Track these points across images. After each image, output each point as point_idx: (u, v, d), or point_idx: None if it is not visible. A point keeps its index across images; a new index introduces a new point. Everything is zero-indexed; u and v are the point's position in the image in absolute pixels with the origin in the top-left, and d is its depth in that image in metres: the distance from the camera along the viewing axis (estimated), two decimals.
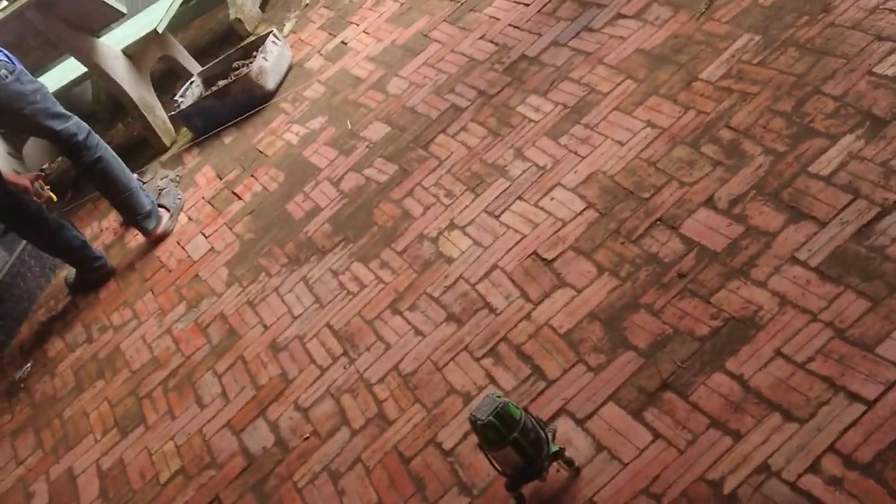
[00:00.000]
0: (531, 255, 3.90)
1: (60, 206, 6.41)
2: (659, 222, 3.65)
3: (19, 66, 5.20)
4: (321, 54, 6.32)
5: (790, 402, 2.86)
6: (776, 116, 3.72)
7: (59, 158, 7.39)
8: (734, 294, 3.23)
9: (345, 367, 4.03)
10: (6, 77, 5.09)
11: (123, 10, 6.34)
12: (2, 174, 5.46)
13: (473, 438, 3.29)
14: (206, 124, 6.33)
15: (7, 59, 5.17)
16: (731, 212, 3.50)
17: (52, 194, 5.65)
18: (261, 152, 5.80)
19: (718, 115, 3.89)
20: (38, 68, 6.47)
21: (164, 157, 6.56)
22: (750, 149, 3.67)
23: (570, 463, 3.05)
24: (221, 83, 6.39)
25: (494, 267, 3.96)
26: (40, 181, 5.63)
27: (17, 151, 7.01)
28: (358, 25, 6.31)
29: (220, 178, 5.85)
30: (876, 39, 3.70)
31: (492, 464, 3.02)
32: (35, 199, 5.53)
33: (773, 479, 2.72)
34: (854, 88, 3.60)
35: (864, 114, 3.49)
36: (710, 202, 3.59)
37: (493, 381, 3.54)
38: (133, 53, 6.56)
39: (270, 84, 6.25)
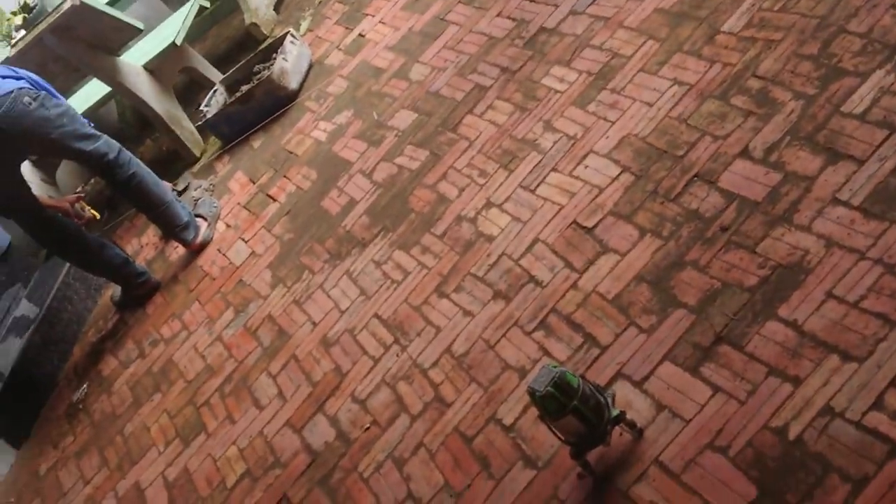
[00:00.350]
0: (571, 224, 3.90)
1: (100, 226, 6.46)
2: (696, 178, 3.64)
3: (44, 91, 5.23)
4: (340, 49, 6.33)
5: (847, 341, 2.85)
6: (803, 60, 3.70)
7: (93, 179, 7.44)
8: (779, 241, 3.22)
9: (397, 355, 4.05)
10: (30, 104, 5.11)
11: (140, 26, 6.37)
12: (38, 200, 5.51)
13: (533, 412, 3.30)
14: (233, 131, 6.36)
15: (30, 86, 5.20)
16: (767, 160, 3.48)
17: (94, 213, 5.71)
18: (291, 152, 5.82)
19: (745, 65, 3.88)
20: (63, 93, 6.49)
21: (196, 168, 6.59)
22: (780, 95, 3.65)
23: (632, 425, 3.06)
24: (244, 88, 6.41)
25: (536, 240, 3.96)
26: (81, 202, 5.68)
27: (50, 177, 7.06)
28: (373, 16, 6.31)
29: (254, 183, 5.88)
30: None
31: (555, 434, 3.03)
32: (76, 220, 5.59)
33: (837, 420, 2.71)
34: (879, 24, 3.58)
35: (892, 48, 3.47)
36: (745, 153, 3.57)
37: (546, 353, 3.55)
38: (154, 68, 6.59)
39: (293, 84, 6.26)
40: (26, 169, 6.34)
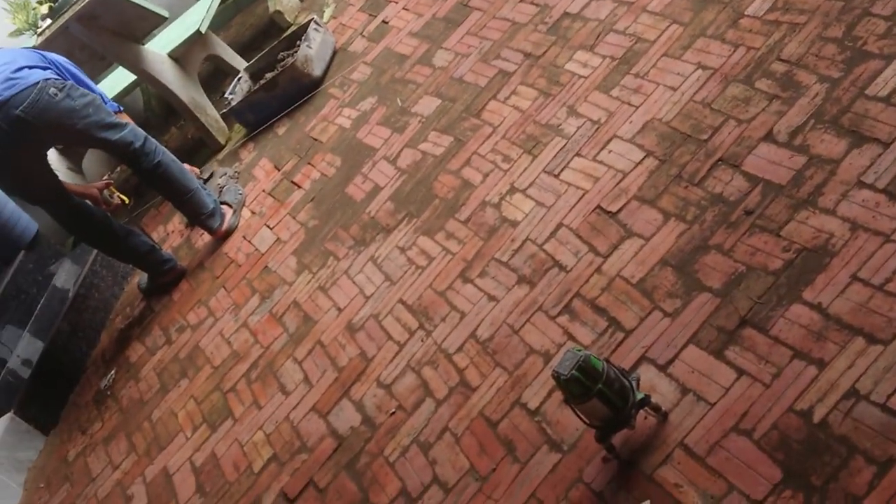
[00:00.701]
0: (595, 209, 3.90)
1: (126, 213, 6.50)
2: (720, 162, 3.64)
3: (70, 80, 5.25)
4: (364, 36, 6.34)
5: (872, 324, 2.85)
6: (827, 43, 3.69)
7: (119, 168, 7.49)
8: (804, 224, 3.22)
9: (422, 340, 4.06)
10: (56, 95, 5.13)
11: (165, 14, 6.40)
12: (67, 187, 5.55)
13: (558, 396, 3.31)
14: (258, 118, 6.38)
15: (56, 76, 5.22)
16: (791, 143, 3.48)
17: (123, 198, 5.75)
18: (315, 139, 5.84)
19: (769, 48, 3.87)
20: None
21: (221, 156, 6.62)
22: (805, 79, 3.65)
23: (656, 409, 3.07)
24: (269, 76, 6.43)
25: (560, 225, 3.97)
26: (110, 188, 5.72)
27: (76, 166, 7.11)
28: (397, 3, 6.31)
29: (278, 170, 5.90)
30: None
31: (580, 417, 3.03)
32: (105, 207, 5.63)
33: (862, 403, 2.71)
34: None
35: None
36: (769, 136, 3.57)
37: (570, 337, 3.56)
38: (179, 56, 6.62)
39: (317, 71, 6.28)
40: (52, 157, 6.38)
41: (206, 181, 6.23)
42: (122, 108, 5.60)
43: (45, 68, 5.21)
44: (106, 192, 5.68)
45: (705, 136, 3.77)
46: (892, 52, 3.46)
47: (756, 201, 3.41)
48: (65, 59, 5.41)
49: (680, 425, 3.03)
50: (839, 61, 3.59)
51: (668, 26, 4.35)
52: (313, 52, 6.27)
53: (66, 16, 6.11)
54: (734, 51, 3.99)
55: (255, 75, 6.65)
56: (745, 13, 4.09)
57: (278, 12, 7.18)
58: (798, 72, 3.69)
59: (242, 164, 6.28)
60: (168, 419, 4.91)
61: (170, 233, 6.33)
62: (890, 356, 2.75)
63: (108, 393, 5.48)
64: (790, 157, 3.44)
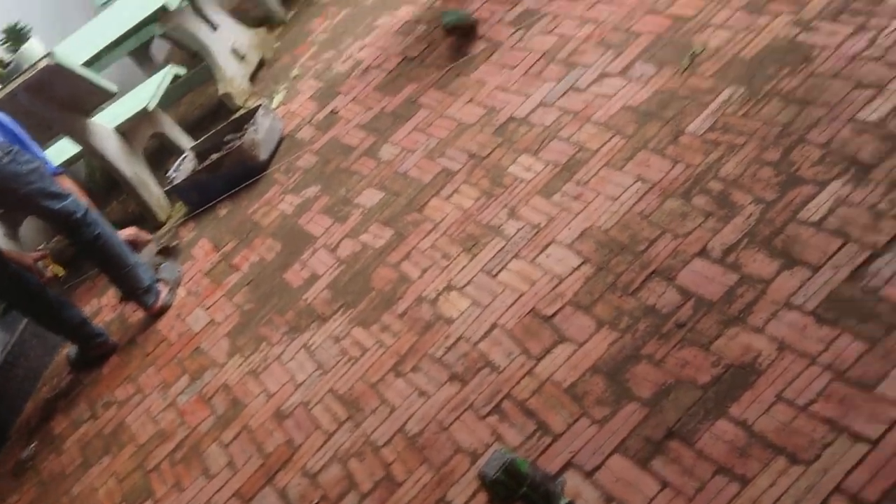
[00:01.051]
0: (530, 311, 3.95)
1: (60, 284, 6.45)
2: (654, 274, 3.71)
3: (17, 145, 5.25)
4: (312, 124, 6.41)
5: (795, 444, 2.90)
6: (764, 166, 3.79)
7: (55, 238, 7.44)
8: (733, 341, 3.28)
9: (351, 431, 4.06)
10: (2, 158, 5.14)
11: (114, 89, 6.43)
12: (2, 252, 5.51)
13: (483, 496, 3.33)
14: (200, 198, 6.40)
15: (3, 139, 5.22)
16: (725, 261, 3.56)
17: (57, 271, 5.72)
18: (256, 223, 5.86)
19: (707, 166, 3.97)
20: None
21: (161, 232, 6.61)
22: (740, 198, 3.74)
23: None
24: (214, 156, 6.46)
25: (494, 325, 4.01)
26: (46, 259, 5.70)
27: (13, 232, 7.06)
28: (346, 95, 6.39)
29: (217, 251, 5.91)
30: (857, 87, 3.78)
31: None
32: (38, 277, 5.59)
33: None
34: (838, 136, 3.67)
35: (850, 160, 3.56)
36: (703, 252, 3.65)
37: (499, 438, 3.57)
38: (125, 131, 6.64)
39: (263, 155, 6.32)
40: None
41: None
42: (62, 170, 5.59)
43: None
44: (41, 262, 5.65)
45: (642, 248, 3.85)
46: (824, 179, 3.56)
47: (688, 315, 3.48)
48: (12, 120, 5.41)
49: None
50: (774, 184, 3.69)
51: (612, 137, 4.44)
52: (260, 136, 6.32)
53: (15, 83, 6.12)
54: (674, 166, 4.08)
55: (200, 155, 6.67)
56: (686, 130, 4.19)
57: (228, 95, 7.23)
58: (734, 191, 3.79)
59: (182, 242, 6.28)
60: (88, 495, 4.84)
61: (103, 306, 6.29)
62: (811, 477, 2.80)
63: (29, 464, 5.40)
64: (723, 273, 3.52)
